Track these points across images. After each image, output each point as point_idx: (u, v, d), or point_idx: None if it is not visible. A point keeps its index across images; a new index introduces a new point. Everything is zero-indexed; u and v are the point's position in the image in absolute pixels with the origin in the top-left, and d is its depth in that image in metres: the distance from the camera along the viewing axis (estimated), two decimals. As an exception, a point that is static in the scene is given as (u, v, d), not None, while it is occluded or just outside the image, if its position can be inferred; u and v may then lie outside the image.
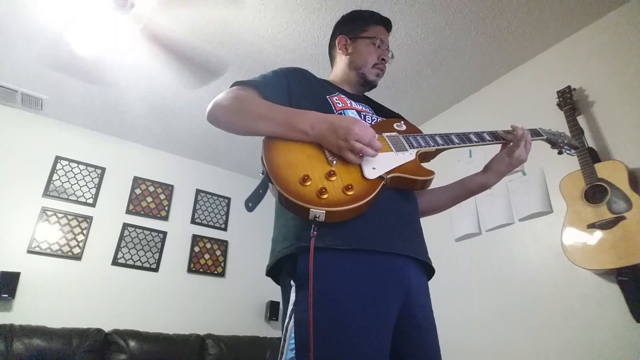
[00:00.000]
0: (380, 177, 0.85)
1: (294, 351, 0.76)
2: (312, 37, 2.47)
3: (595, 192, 1.86)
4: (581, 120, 2.12)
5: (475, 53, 2.51)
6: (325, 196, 0.77)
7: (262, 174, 0.84)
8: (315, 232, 0.77)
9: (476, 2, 2.17)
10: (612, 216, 1.77)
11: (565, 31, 2.34)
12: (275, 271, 0.92)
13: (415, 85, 2.82)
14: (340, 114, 1.02)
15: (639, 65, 2.01)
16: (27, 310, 2.75)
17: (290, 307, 0.82)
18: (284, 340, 0.80)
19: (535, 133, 1.17)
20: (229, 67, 2.70)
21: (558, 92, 2.18)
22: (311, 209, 0.76)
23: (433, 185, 0.99)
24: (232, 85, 1.02)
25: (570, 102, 2.10)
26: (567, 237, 1.93)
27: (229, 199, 4.06)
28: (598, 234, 1.80)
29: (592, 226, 1.83)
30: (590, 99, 2.15)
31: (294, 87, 1.05)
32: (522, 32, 2.34)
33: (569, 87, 2.15)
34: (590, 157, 1.90)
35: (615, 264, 1.71)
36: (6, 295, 2.67)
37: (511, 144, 1.09)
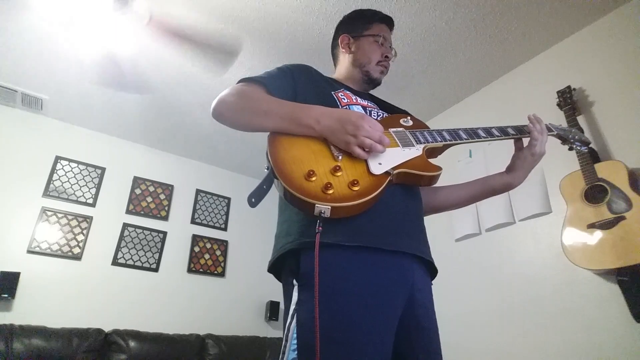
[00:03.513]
0: (387, 173, 0.84)
1: (296, 352, 0.76)
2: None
3: (595, 192, 1.86)
4: (581, 120, 2.12)
5: (475, 53, 2.51)
6: (330, 191, 0.77)
7: (267, 169, 0.83)
8: (320, 228, 0.76)
9: (476, 2, 2.17)
10: (612, 216, 1.77)
11: (565, 31, 2.34)
12: (277, 267, 0.91)
13: (415, 85, 2.82)
14: (346, 109, 1.02)
15: (639, 65, 2.01)
16: (27, 310, 2.75)
17: (292, 307, 0.80)
18: (286, 340, 0.79)
19: (547, 129, 1.15)
20: (243, 44, 2.54)
21: (558, 92, 2.18)
22: (316, 205, 0.75)
23: (439, 184, 0.98)
24: (238, 82, 1.01)
25: (570, 102, 2.10)
26: (567, 237, 1.93)
27: (229, 199, 4.06)
28: (598, 234, 1.80)
29: (592, 226, 1.83)
30: (590, 99, 2.15)
31: (299, 83, 1.05)
32: (522, 32, 2.34)
33: (569, 87, 2.15)
34: (590, 157, 1.90)
35: (615, 264, 1.71)
36: (6, 295, 2.67)
37: (527, 138, 1.09)
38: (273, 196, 0.87)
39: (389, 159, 0.87)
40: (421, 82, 2.79)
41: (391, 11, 2.22)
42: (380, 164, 0.85)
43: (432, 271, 0.97)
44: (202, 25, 2.35)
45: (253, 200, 0.84)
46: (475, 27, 2.33)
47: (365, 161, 0.85)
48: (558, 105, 2.17)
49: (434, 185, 0.98)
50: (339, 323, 0.75)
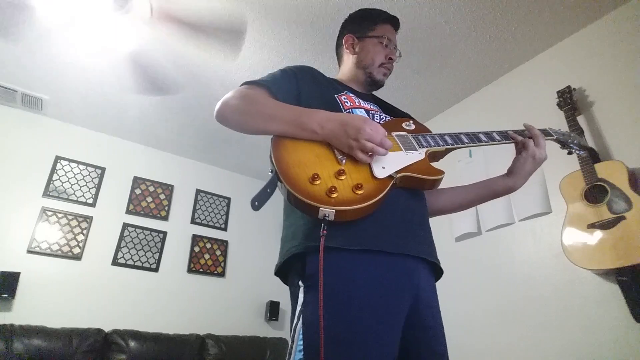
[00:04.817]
0: (390, 177, 0.85)
1: (302, 352, 0.76)
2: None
3: (595, 192, 1.86)
4: (581, 120, 2.12)
5: (475, 53, 2.51)
6: (335, 195, 0.77)
7: (271, 172, 0.84)
8: (324, 231, 0.76)
9: (476, 2, 2.17)
10: (612, 216, 1.77)
11: (565, 31, 2.34)
12: (284, 271, 0.92)
13: (415, 85, 2.82)
14: (349, 112, 1.02)
15: (639, 66, 2.01)
16: (27, 310, 2.75)
17: (298, 308, 0.82)
18: (292, 341, 0.80)
19: (546, 133, 1.15)
20: (250, 20, 2.43)
21: (558, 92, 2.18)
22: (321, 208, 0.75)
23: (441, 186, 0.98)
24: (241, 85, 1.02)
25: (570, 102, 2.10)
26: (567, 237, 1.93)
27: (229, 199, 4.06)
28: (598, 234, 1.80)
29: (592, 226, 1.83)
30: (590, 99, 2.16)
31: (302, 86, 1.05)
32: (522, 32, 2.34)
33: (569, 87, 2.15)
34: (590, 157, 1.90)
35: (615, 264, 1.71)
36: (6, 295, 2.67)
37: (526, 143, 1.07)
38: (274, 197, 0.87)
39: (392, 162, 0.88)
40: (421, 82, 2.79)
41: (391, 11, 2.21)
42: (383, 167, 0.86)
43: (437, 271, 0.98)
44: (204, 5, 2.26)
45: (256, 203, 0.84)
46: (475, 27, 2.33)
47: (369, 165, 0.85)
48: (558, 105, 2.17)
49: (437, 188, 0.99)
50: (343, 324, 0.76)
